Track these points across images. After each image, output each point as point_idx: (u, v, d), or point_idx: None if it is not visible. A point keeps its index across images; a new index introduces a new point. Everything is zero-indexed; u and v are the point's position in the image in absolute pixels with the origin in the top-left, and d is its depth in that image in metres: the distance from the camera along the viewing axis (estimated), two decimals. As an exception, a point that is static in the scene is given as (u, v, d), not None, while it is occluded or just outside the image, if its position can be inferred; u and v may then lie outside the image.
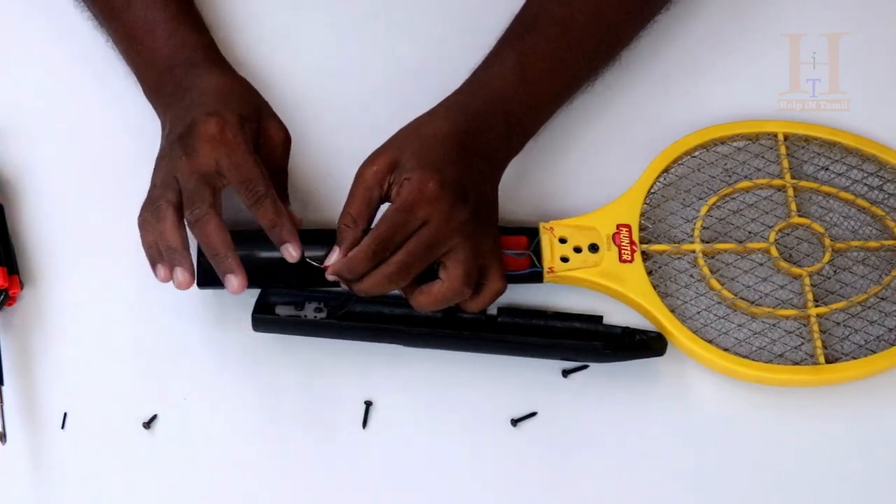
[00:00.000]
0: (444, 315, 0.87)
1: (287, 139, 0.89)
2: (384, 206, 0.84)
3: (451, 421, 0.87)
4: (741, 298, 0.89)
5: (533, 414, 0.87)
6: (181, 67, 0.90)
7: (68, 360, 0.88)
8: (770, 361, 0.87)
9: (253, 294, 0.87)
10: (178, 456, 0.85)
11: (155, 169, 0.85)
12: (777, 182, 0.95)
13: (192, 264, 0.83)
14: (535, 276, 0.90)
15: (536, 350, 0.88)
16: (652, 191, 0.94)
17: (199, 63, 0.91)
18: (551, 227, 0.91)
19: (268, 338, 0.88)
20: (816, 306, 0.89)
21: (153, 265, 0.84)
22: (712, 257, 0.91)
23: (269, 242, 0.85)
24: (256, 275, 0.85)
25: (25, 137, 0.96)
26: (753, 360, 0.87)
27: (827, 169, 0.96)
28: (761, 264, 0.91)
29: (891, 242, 0.92)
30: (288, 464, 0.85)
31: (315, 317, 0.87)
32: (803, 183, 0.95)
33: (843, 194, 0.94)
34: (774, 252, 0.91)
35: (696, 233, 0.92)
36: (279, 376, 0.88)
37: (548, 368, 0.88)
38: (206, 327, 0.89)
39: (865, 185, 0.95)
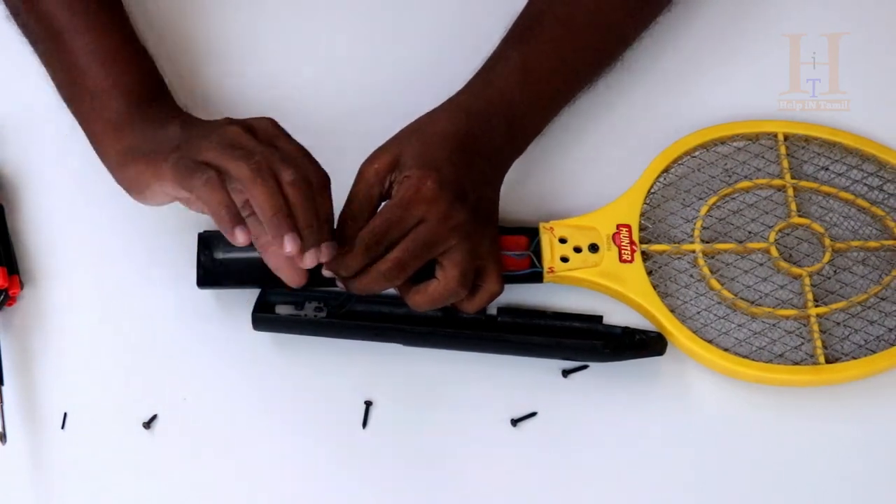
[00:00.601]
0: (444, 314, 0.87)
1: None
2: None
3: (451, 421, 0.87)
4: (741, 298, 0.89)
5: (533, 414, 0.87)
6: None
7: (68, 360, 0.88)
8: (770, 361, 0.87)
9: (253, 294, 0.87)
10: (178, 456, 0.85)
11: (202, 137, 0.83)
12: (777, 182, 0.94)
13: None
14: (535, 276, 0.90)
15: (536, 349, 0.88)
16: (652, 191, 0.94)
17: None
18: (551, 227, 0.91)
19: (268, 338, 0.88)
20: (816, 306, 0.89)
21: (231, 227, 0.79)
22: (712, 257, 0.91)
23: None
24: (256, 274, 0.85)
25: (25, 137, 0.96)
26: (753, 360, 0.87)
27: (827, 169, 0.96)
28: (761, 264, 0.91)
29: (891, 242, 0.92)
30: (288, 463, 0.85)
31: (315, 316, 0.87)
32: (803, 183, 0.95)
33: (844, 194, 0.94)
34: (774, 252, 0.91)
35: (696, 233, 0.92)
36: (279, 376, 0.88)
37: (548, 368, 0.88)
38: (206, 327, 0.89)
39: (865, 185, 0.95)
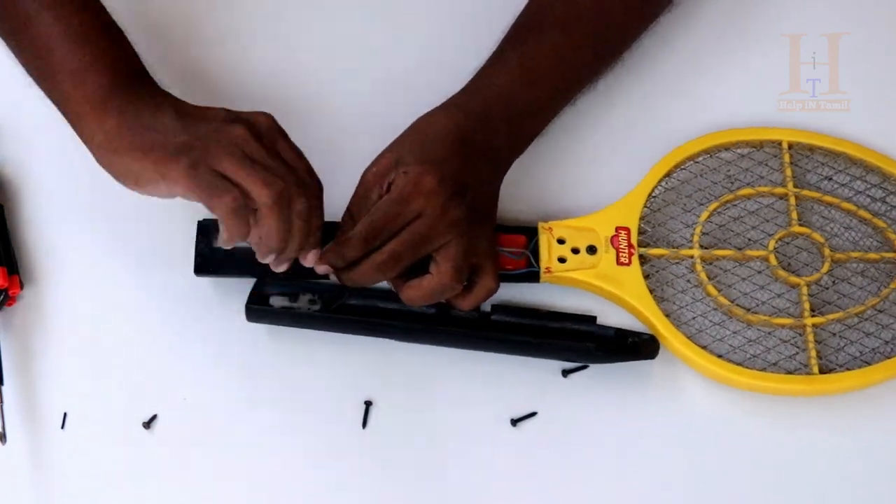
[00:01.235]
0: (438, 311, 0.88)
1: None
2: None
3: (451, 421, 0.87)
4: (738, 305, 0.90)
5: (533, 414, 0.87)
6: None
7: (68, 360, 0.88)
8: (764, 370, 0.88)
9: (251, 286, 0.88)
10: (177, 456, 0.86)
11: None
12: (779, 190, 0.94)
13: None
14: (532, 276, 0.90)
15: (528, 349, 0.88)
16: (653, 194, 0.94)
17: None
18: (550, 228, 0.91)
19: (270, 337, 0.89)
20: (813, 316, 0.89)
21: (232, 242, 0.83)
22: (710, 263, 0.92)
23: None
24: (253, 263, 0.85)
25: (25, 137, 0.95)
26: (747, 367, 0.88)
27: (830, 179, 0.96)
28: (759, 272, 0.92)
29: (891, 255, 0.92)
30: (288, 463, 0.86)
31: (309, 308, 0.87)
32: (805, 192, 0.95)
33: (845, 205, 0.94)
34: (773, 260, 0.91)
35: (696, 238, 0.92)
36: (280, 376, 0.88)
37: (548, 368, 0.89)
38: (206, 328, 0.89)
39: (868, 196, 0.95)
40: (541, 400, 0.88)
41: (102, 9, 0.88)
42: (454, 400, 0.88)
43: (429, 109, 0.88)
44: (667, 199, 0.94)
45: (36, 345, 0.88)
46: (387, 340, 0.88)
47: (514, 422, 0.87)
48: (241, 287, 0.88)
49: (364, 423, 0.87)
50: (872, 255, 0.92)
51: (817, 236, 0.93)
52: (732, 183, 0.95)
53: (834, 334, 0.89)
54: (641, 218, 0.92)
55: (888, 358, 0.88)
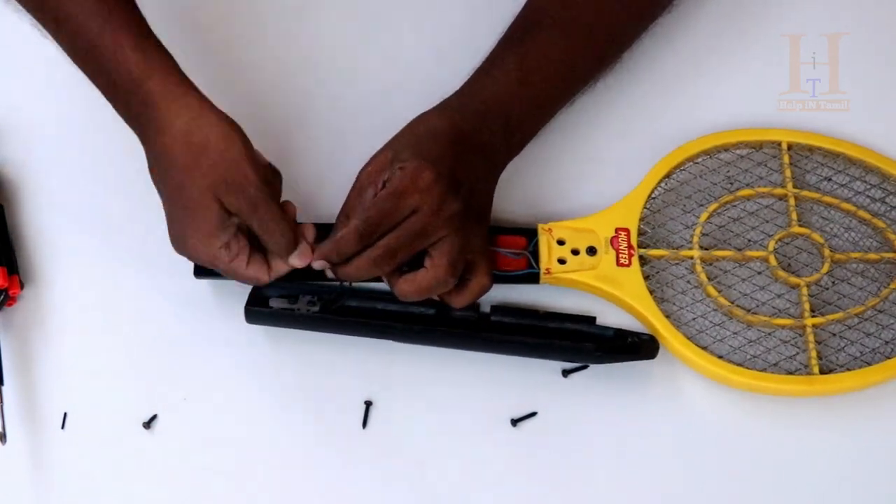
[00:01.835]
0: (437, 312, 0.88)
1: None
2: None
3: (451, 421, 0.88)
4: (738, 306, 0.90)
5: (533, 414, 0.88)
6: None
7: (68, 360, 0.88)
8: (764, 370, 0.88)
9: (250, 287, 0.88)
10: (178, 456, 0.86)
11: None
12: (779, 191, 0.94)
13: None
14: (532, 277, 0.90)
15: (527, 350, 0.88)
16: (653, 195, 0.94)
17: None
18: (550, 229, 0.91)
19: (269, 337, 0.89)
20: (813, 317, 0.89)
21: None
22: (710, 264, 0.92)
23: None
24: None
25: (25, 137, 0.95)
26: (747, 368, 0.88)
27: (829, 179, 0.96)
28: (759, 273, 0.92)
29: (891, 255, 0.92)
30: (288, 463, 0.86)
31: (308, 310, 0.87)
32: (805, 193, 0.94)
33: (845, 205, 0.94)
34: (773, 261, 0.91)
35: (695, 239, 0.92)
36: (280, 376, 0.89)
37: (548, 368, 0.89)
38: (206, 328, 0.89)
39: (867, 196, 0.95)
40: (541, 400, 0.88)
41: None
42: (454, 400, 0.88)
43: (426, 109, 0.88)
44: (666, 200, 0.94)
45: (36, 345, 0.88)
46: (387, 342, 0.88)
47: (514, 422, 0.87)
48: (241, 288, 0.88)
49: (364, 423, 0.87)
50: (872, 256, 0.92)
51: (817, 237, 0.93)
52: (732, 184, 0.95)
53: (834, 335, 0.89)
54: (641, 219, 0.92)
55: (888, 358, 0.88)
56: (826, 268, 0.91)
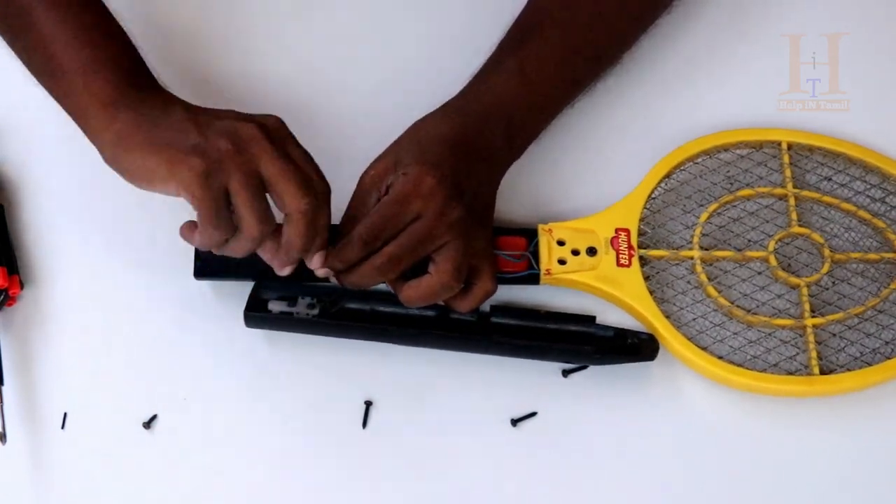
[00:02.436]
0: (437, 314, 0.88)
1: None
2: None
3: (451, 421, 0.88)
4: (738, 306, 0.90)
5: (533, 414, 0.88)
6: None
7: (68, 360, 0.88)
8: (764, 371, 0.88)
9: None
10: (178, 456, 0.86)
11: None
12: (779, 191, 0.94)
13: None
14: (532, 278, 0.90)
15: (527, 352, 0.88)
16: (653, 196, 0.94)
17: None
18: (550, 229, 0.91)
19: (269, 337, 0.89)
20: (813, 317, 0.89)
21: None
22: (710, 264, 0.92)
23: None
24: (251, 267, 0.86)
25: (25, 137, 0.95)
26: (748, 368, 0.88)
27: (829, 179, 0.96)
28: (759, 273, 0.92)
29: (891, 255, 0.92)
30: (288, 463, 0.86)
31: (308, 314, 0.87)
32: (805, 193, 0.94)
33: (845, 205, 0.94)
34: (773, 261, 0.91)
35: (696, 239, 0.92)
36: (280, 376, 0.88)
37: (548, 368, 0.89)
38: (206, 327, 0.89)
39: (868, 196, 0.95)
40: (541, 400, 0.88)
41: (106, 10, 0.88)
42: (454, 400, 0.88)
43: (428, 112, 0.88)
44: (666, 201, 0.94)
45: (36, 345, 0.88)
46: (387, 343, 0.88)
47: (514, 422, 0.87)
48: (241, 289, 0.88)
49: (364, 424, 0.87)
50: (872, 256, 0.92)
51: (817, 237, 0.93)
52: (732, 184, 0.95)
53: (834, 335, 0.89)
54: (641, 219, 0.92)
55: (888, 358, 0.88)
56: (826, 268, 0.91)
